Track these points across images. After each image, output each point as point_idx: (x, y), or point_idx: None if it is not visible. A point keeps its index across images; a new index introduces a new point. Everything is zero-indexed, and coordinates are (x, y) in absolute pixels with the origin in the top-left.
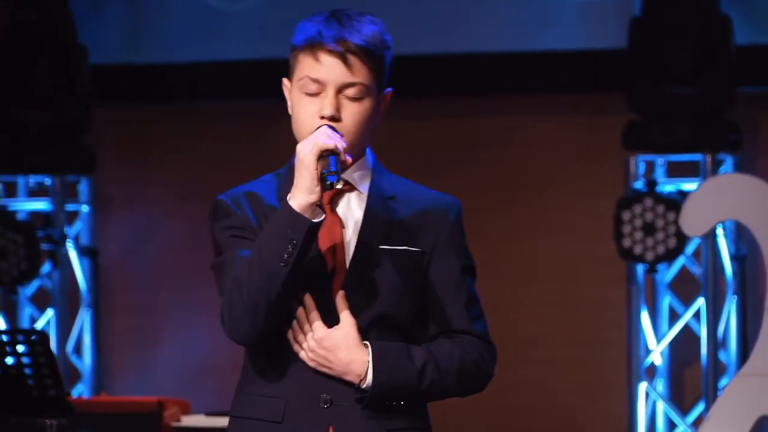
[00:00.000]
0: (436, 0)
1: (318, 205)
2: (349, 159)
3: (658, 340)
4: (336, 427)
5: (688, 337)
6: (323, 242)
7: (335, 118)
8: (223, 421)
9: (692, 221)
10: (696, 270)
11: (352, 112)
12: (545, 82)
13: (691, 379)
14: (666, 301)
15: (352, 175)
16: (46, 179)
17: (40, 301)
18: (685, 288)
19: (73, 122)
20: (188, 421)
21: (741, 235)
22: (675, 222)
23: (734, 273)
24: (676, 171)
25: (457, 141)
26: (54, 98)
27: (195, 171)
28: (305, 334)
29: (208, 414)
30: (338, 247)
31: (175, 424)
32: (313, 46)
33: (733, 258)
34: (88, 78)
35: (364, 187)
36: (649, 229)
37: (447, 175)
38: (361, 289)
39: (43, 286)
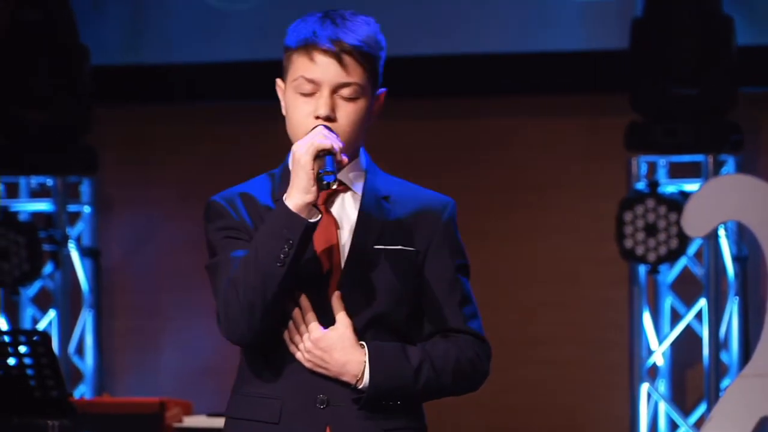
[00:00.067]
0: (437, 1)
1: (314, 205)
2: (345, 159)
3: (660, 341)
4: (333, 427)
5: (689, 337)
6: (318, 243)
7: (330, 118)
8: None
9: (694, 222)
10: (698, 271)
11: (347, 112)
12: (546, 83)
13: (693, 379)
14: (668, 301)
15: (346, 175)
16: (47, 180)
17: (42, 302)
18: (686, 289)
19: (75, 123)
20: (190, 421)
21: (743, 236)
22: (677, 223)
23: (736, 274)
24: (677, 172)
25: (458, 142)
26: (55, 99)
27: (196, 171)
28: (301, 335)
29: (210, 415)
30: (333, 248)
31: (176, 424)
32: (308, 46)
33: (735, 259)
34: (90, 78)
35: (358, 187)
36: (650, 230)
37: (448, 176)
38: (356, 289)
39: (45, 286)
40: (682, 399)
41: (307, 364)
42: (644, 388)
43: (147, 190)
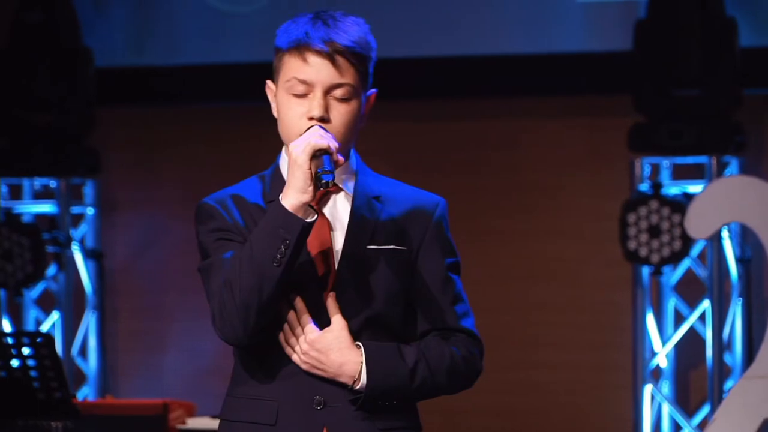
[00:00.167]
0: (440, 2)
1: (309, 206)
2: (341, 159)
3: (664, 343)
4: (330, 428)
5: (693, 339)
6: (312, 244)
7: (324, 119)
8: None
9: (697, 223)
10: (701, 272)
11: (341, 113)
12: (550, 85)
13: (697, 381)
14: (671, 303)
15: (338, 176)
16: (51, 182)
17: (46, 304)
18: (690, 290)
19: (78, 125)
20: (193, 423)
21: (746, 238)
22: (680, 224)
23: (739, 275)
24: (681, 173)
25: (461, 143)
26: (58, 100)
27: (200, 173)
28: (297, 337)
29: (214, 417)
30: (327, 249)
31: (180, 426)
32: (301, 47)
33: (739, 260)
34: (93, 80)
35: (350, 187)
36: (654, 231)
37: (451, 177)
38: (351, 290)
39: (48, 288)
40: (686, 400)
41: (304, 366)
42: (648, 389)
43: (150, 191)
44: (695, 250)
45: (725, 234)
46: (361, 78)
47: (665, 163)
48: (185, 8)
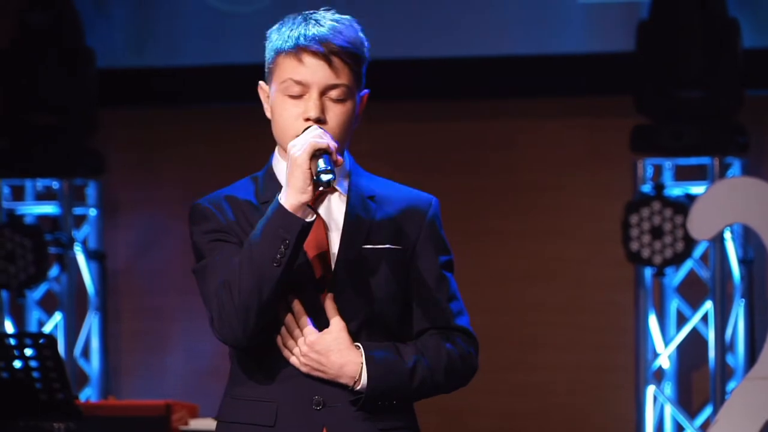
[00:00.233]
0: (442, 3)
1: (308, 206)
2: (340, 159)
3: (666, 344)
4: (329, 428)
5: (695, 340)
6: (308, 245)
7: (321, 120)
8: None
9: (700, 225)
10: (704, 273)
11: (336, 114)
12: (552, 86)
13: (699, 382)
14: (674, 304)
15: None
16: (53, 183)
17: (48, 305)
18: (692, 291)
19: (81, 126)
20: (196, 424)
21: (749, 239)
22: (683, 225)
23: (742, 276)
24: (683, 174)
25: (464, 144)
26: (61, 102)
27: (202, 174)
28: (295, 340)
29: (216, 418)
30: (324, 249)
31: (182, 427)
32: (296, 48)
33: (741, 261)
34: (96, 81)
35: (344, 187)
36: (656, 232)
37: (453, 178)
38: (348, 290)
39: (51, 289)
40: (688, 401)
41: (304, 369)
42: (650, 390)
43: (153, 192)
44: (698, 252)
45: (728, 235)
46: (356, 78)
47: (667, 164)
48: (186, 9)
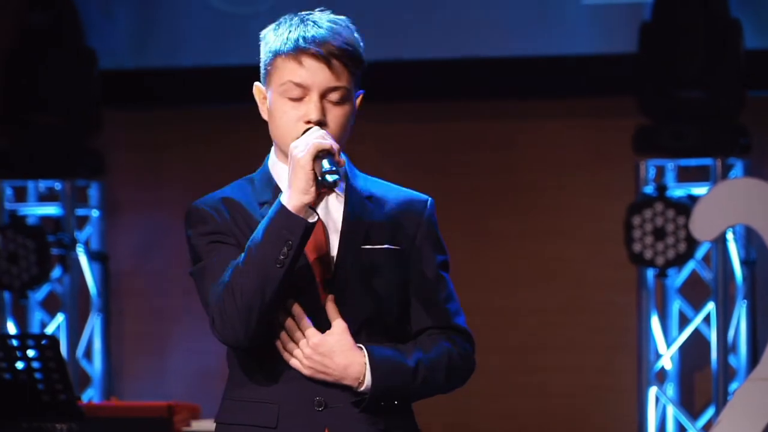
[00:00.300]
0: (444, 4)
1: (309, 207)
2: (342, 159)
3: (668, 345)
4: (331, 429)
5: (698, 341)
6: (308, 246)
7: (322, 123)
8: None
9: (702, 226)
10: (706, 275)
11: (336, 116)
12: (555, 86)
13: (701, 383)
14: (676, 305)
15: None
16: (56, 184)
17: (51, 306)
18: (695, 292)
19: (83, 126)
20: (198, 425)
21: (751, 240)
22: (685, 226)
23: (744, 277)
24: (686, 175)
25: (466, 144)
26: (63, 102)
27: (205, 175)
28: (297, 342)
29: (216, 420)
30: (323, 250)
31: (185, 429)
32: (296, 50)
33: (743, 262)
34: (98, 82)
35: (341, 188)
36: (659, 233)
37: (455, 179)
38: (348, 290)
39: (53, 290)
40: (691, 403)
41: (307, 372)
42: (652, 391)
43: (155, 193)
44: (700, 253)
45: (730, 236)
46: (354, 80)
47: (670, 165)
48: (189, 10)
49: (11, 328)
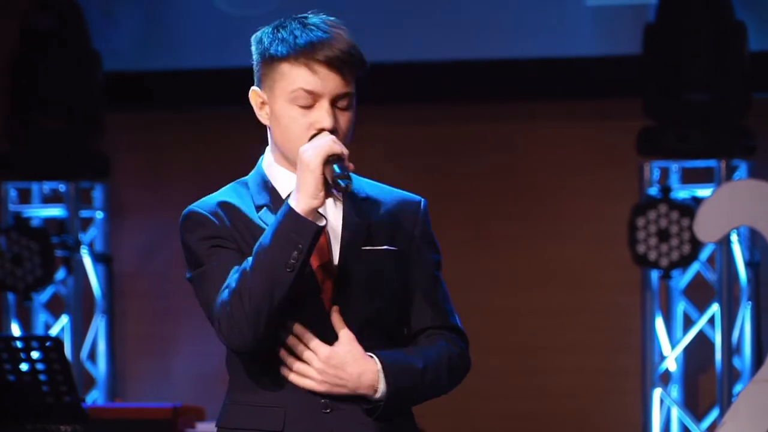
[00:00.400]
0: (448, 7)
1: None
2: (351, 165)
3: (673, 346)
4: None
5: (702, 343)
6: None
7: (334, 130)
8: None
9: (706, 227)
10: (710, 276)
11: (345, 122)
12: (559, 88)
13: (706, 385)
14: (680, 307)
15: None
16: (60, 186)
17: (55, 308)
18: (699, 294)
19: (87, 128)
20: (203, 427)
21: (755, 242)
22: (689, 228)
23: (748, 279)
24: (690, 177)
25: (470, 146)
26: (67, 105)
27: (209, 177)
28: (306, 361)
29: (218, 425)
30: (324, 253)
31: (189, 430)
32: (307, 57)
33: (748, 264)
34: (102, 84)
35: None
36: (663, 235)
37: (458, 181)
38: (349, 292)
39: (57, 292)
40: (695, 404)
41: (322, 388)
42: (657, 393)
43: (159, 195)
44: (704, 254)
45: (734, 238)
46: (356, 85)
47: (674, 166)
48: (194, 13)
49: (15, 330)
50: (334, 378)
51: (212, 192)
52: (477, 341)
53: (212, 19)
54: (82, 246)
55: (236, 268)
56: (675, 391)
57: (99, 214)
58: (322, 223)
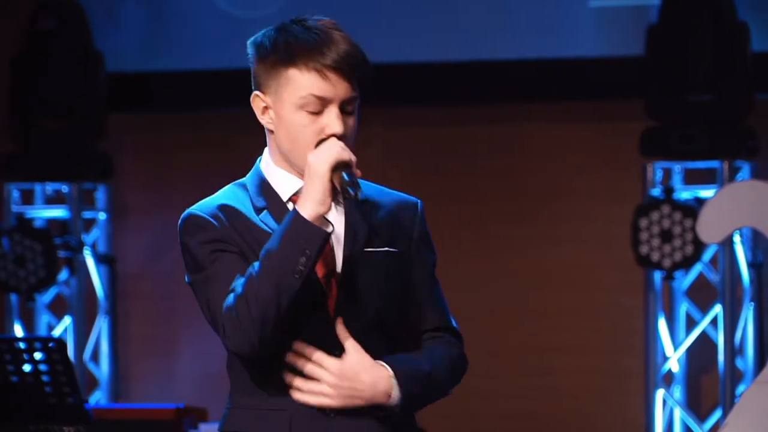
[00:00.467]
0: (451, 8)
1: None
2: (359, 172)
3: (676, 347)
4: None
5: (705, 344)
6: None
7: (344, 135)
8: None
9: (709, 228)
10: (713, 277)
11: (351, 126)
12: (561, 89)
13: (709, 385)
14: (683, 308)
15: None
16: (63, 187)
17: (58, 309)
18: (702, 295)
19: (90, 129)
20: (206, 428)
21: (758, 242)
22: (692, 229)
23: (751, 280)
24: (693, 178)
25: (473, 148)
26: (70, 106)
27: (212, 178)
28: (316, 378)
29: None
30: (329, 257)
31: (192, 431)
32: (316, 62)
33: (750, 265)
34: (105, 85)
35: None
36: (666, 236)
37: (461, 182)
38: (353, 295)
39: (60, 293)
40: (698, 405)
41: (338, 402)
42: (659, 394)
43: (162, 196)
44: (707, 255)
45: (737, 239)
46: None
47: (677, 167)
48: (198, 13)
49: (18, 331)
50: (349, 391)
51: (213, 193)
52: (480, 342)
53: (215, 20)
54: (84, 247)
55: (239, 275)
56: (678, 392)
57: (102, 215)
58: (330, 229)
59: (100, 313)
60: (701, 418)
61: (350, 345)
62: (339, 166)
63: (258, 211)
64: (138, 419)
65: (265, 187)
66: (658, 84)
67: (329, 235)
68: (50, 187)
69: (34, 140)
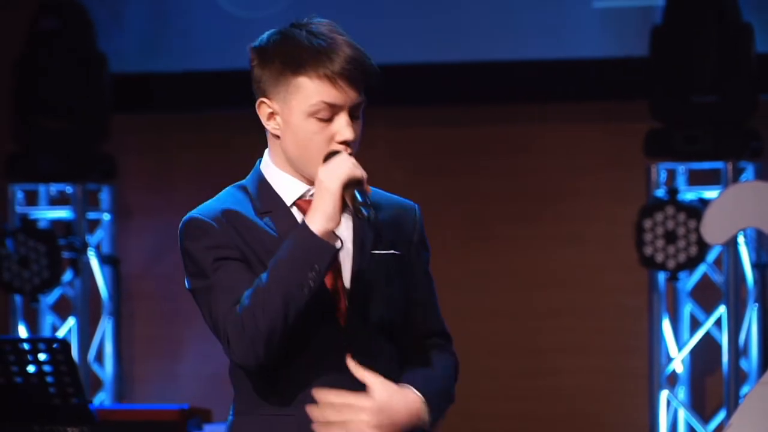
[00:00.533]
0: (457, 8)
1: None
2: (369, 188)
3: (680, 348)
4: None
5: (709, 344)
6: None
7: (354, 141)
8: None
9: (713, 229)
10: (717, 278)
11: (357, 131)
12: (566, 90)
13: (713, 386)
14: (687, 308)
15: None
16: (67, 188)
17: (62, 310)
18: (706, 296)
19: (94, 130)
20: (210, 429)
21: (762, 243)
22: (696, 230)
23: (755, 281)
24: (697, 179)
25: (476, 148)
26: (74, 107)
27: (216, 179)
28: (350, 422)
29: None
30: (338, 267)
31: None
32: (327, 70)
33: (755, 266)
34: (109, 86)
35: None
36: (670, 237)
37: (465, 183)
38: (362, 303)
39: (64, 294)
40: (702, 406)
41: None
42: (664, 395)
43: (166, 197)
44: (711, 256)
45: (741, 239)
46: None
47: (681, 168)
48: (201, 14)
49: (22, 332)
50: (389, 425)
51: (216, 194)
52: (483, 343)
53: (218, 21)
54: (89, 248)
55: (242, 284)
56: (682, 392)
57: (106, 216)
58: (338, 245)
59: (104, 314)
60: (705, 418)
61: (372, 380)
62: (351, 184)
63: (261, 214)
64: (142, 420)
65: (267, 190)
66: (663, 85)
67: (338, 251)
68: (54, 188)
69: (37, 141)
